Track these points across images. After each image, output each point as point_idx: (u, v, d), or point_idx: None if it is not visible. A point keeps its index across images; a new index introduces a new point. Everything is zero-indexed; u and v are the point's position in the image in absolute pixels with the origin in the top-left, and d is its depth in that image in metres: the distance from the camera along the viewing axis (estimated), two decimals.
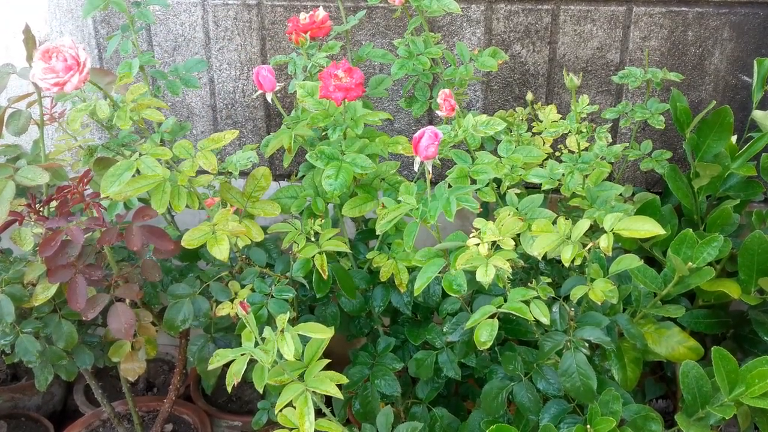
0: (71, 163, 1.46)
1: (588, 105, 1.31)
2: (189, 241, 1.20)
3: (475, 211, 1.15)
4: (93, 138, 1.81)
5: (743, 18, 1.56)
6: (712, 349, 1.13)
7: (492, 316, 1.11)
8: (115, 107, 1.13)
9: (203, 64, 1.46)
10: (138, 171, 1.15)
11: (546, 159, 1.28)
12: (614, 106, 1.47)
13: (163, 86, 1.43)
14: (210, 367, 1.10)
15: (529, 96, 1.50)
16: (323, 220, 1.31)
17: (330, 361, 1.11)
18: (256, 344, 1.08)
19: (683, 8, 1.57)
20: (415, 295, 1.17)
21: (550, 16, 1.60)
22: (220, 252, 1.18)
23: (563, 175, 1.24)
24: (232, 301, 1.35)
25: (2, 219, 1.17)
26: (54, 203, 1.23)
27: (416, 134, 1.12)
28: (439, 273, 1.16)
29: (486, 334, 1.09)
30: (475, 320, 1.11)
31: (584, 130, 1.29)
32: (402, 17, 1.63)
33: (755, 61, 1.48)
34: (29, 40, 1.23)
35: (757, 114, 1.45)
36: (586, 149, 1.30)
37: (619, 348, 1.32)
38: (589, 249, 1.11)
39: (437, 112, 1.24)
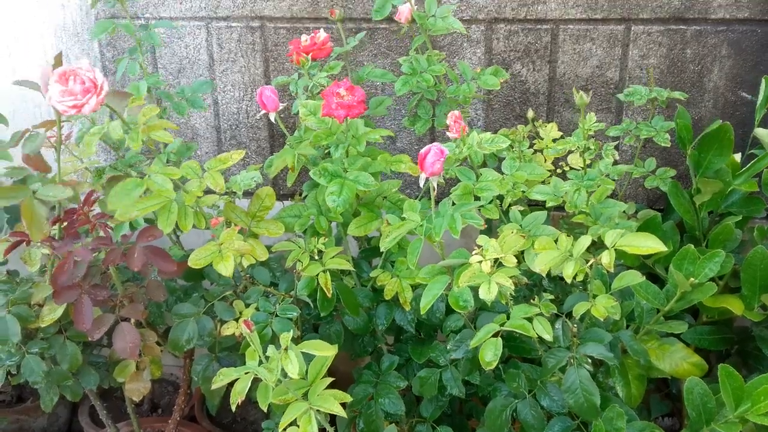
0: (77, 184, 1.47)
1: (595, 122, 1.32)
2: (196, 261, 1.21)
3: (480, 227, 1.15)
4: (98, 159, 1.82)
5: (741, 35, 1.58)
6: (719, 366, 1.13)
7: (495, 335, 1.11)
8: (128, 129, 1.15)
9: (209, 86, 1.47)
10: (147, 190, 1.16)
11: (549, 176, 1.29)
12: (615, 124, 1.48)
13: (169, 107, 1.45)
14: (214, 386, 1.11)
15: (531, 114, 1.51)
16: (326, 239, 1.32)
17: (334, 379, 1.11)
18: (260, 363, 1.08)
19: (681, 26, 1.59)
20: (422, 313, 1.18)
21: (549, 35, 1.62)
22: (226, 268, 1.19)
23: (566, 192, 1.25)
24: (236, 320, 1.35)
25: (42, 237, 1.17)
26: (63, 224, 1.24)
27: (422, 150, 1.13)
28: (444, 290, 1.17)
29: (491, 354, 1.10)
30: (479, 339, 1.12)
31: (592, 147, 1.29)
32: (403, 38, 1.65)
33: (763, 79, 1.47)
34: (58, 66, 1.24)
35: (760, 132, 1.46)
36: (589, 166, 1.31)
37: (622, 364, 1.32)
38: (592, 265, 1.12)
39: (447, 133, 1.25)
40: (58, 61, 1.23)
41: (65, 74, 1.08)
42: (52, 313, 1.30)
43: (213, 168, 1.23)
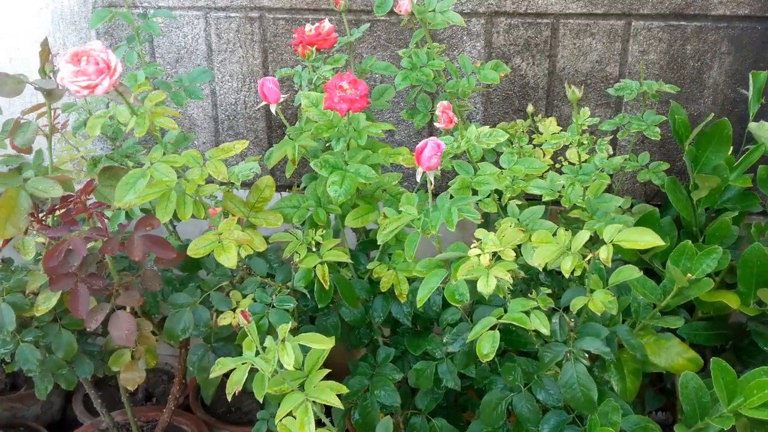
0: (73, 173, 1.47)
1: (589, 117, 1.32)
2: (195, 251, 1.20)
3: (476, 221, 1.15)
4: (95, 149, 1.81)
5: (741, 32, 1.58)
6: (711, 360, 1.13)
7: (493, 328, 1.11)
8: (135, 113, 1.14)
9: (208, 75, 1.46)
10: (150, 179, 1.16)
11: (546, 171, 1.29)
12: (612, 119, 1.48)
13: (168, 97, 1.44)
14: (211, 375, 1.11)
15: (530, 108, 1.51)
16: (324, 231, 1.31)
17: (330, 371, 1.11)
18: (257, 353, 1.08)
19: (682, 22, 1.59)
20: (418, 306, 1.18)
21: (549, 29, 1.62)
22: (228, 259, 1.18)
23: (563, 186, 1.25)
24: (233, 310, 1.35)
25: (21, 231, 1.15)
26: (57, 213, 1.24)
27: (419, 145, 1.13)
28: (441, 284, 1.17)
29: (488, 347, 1.10)
30: (476, 332, 1.12)
31: (585, 142, 1.30)
32: (403, 30, 1.64)
33: (750, 75, 1.49)
34: (44, 53, 1.23)
35: (752, 126, 1.47)
36: (586, 161, 1.31)
37: (618, 359, 1.32)
38: (589, 260, 1.12)
39: (436, 124, 1.25)
40: (44, 47, 1.23)
41: (77, 55, 1.06)
42: (47, 302, 1.29)
43: (215, 157, 1.22)
